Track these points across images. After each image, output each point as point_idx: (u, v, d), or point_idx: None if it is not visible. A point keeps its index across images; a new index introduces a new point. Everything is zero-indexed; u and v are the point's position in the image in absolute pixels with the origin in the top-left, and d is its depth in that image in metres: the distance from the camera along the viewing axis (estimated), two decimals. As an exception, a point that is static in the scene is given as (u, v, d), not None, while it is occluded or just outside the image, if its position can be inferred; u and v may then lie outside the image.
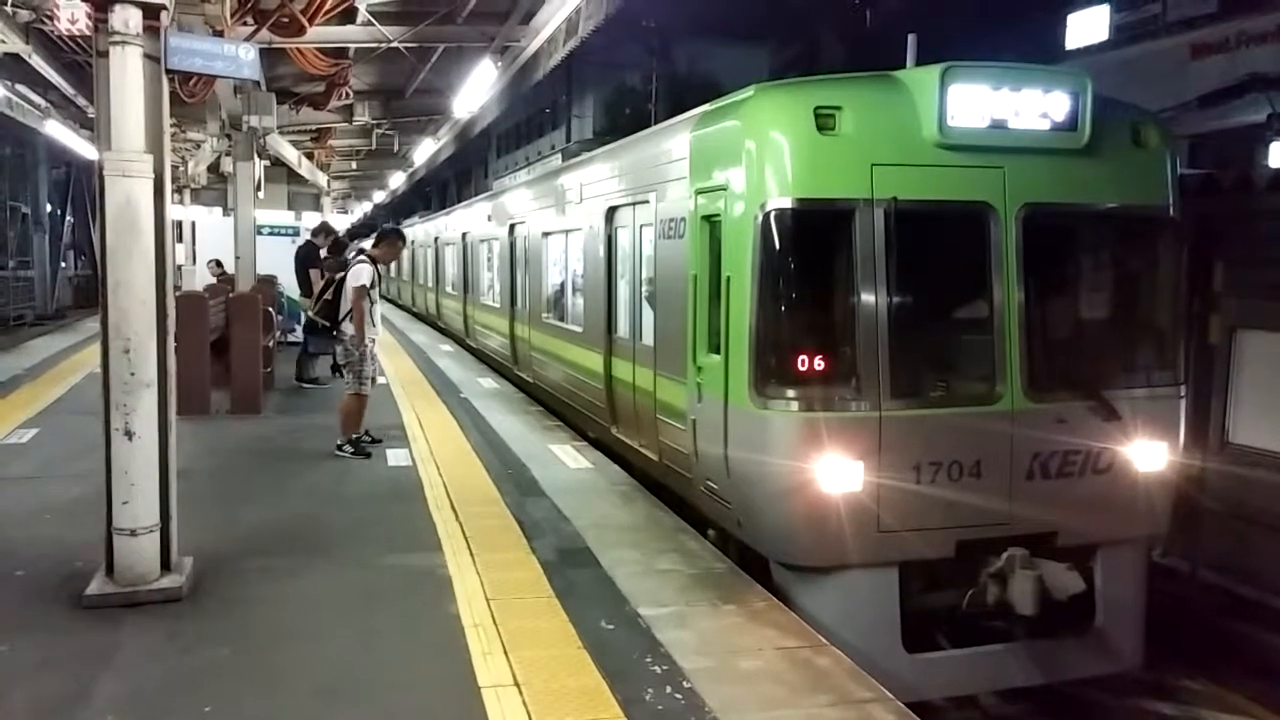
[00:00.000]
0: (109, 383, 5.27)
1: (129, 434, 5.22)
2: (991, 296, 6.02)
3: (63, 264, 35.42)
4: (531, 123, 51.28)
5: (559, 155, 16.67)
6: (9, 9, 10.98)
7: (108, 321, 5.25)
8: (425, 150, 23.37)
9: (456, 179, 60.41)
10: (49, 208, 33.83)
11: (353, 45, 13.21)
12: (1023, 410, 5.98)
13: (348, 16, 11.61)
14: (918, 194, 5.85)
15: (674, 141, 7.49)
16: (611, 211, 9.06)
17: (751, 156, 6.07)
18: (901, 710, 4.34)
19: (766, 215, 5.84)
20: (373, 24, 12.03)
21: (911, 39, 6.21)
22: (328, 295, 9.32)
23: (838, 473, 5.69)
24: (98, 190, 5.28)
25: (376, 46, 12.81)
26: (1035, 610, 5.70)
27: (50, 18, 9.15)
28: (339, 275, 9.29)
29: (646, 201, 7.93)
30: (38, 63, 12.81)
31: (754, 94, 6.30)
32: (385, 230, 10.26)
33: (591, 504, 7.52)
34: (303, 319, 13.81)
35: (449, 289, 21.59)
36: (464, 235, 19.01)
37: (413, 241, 28.24)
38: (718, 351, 6.30)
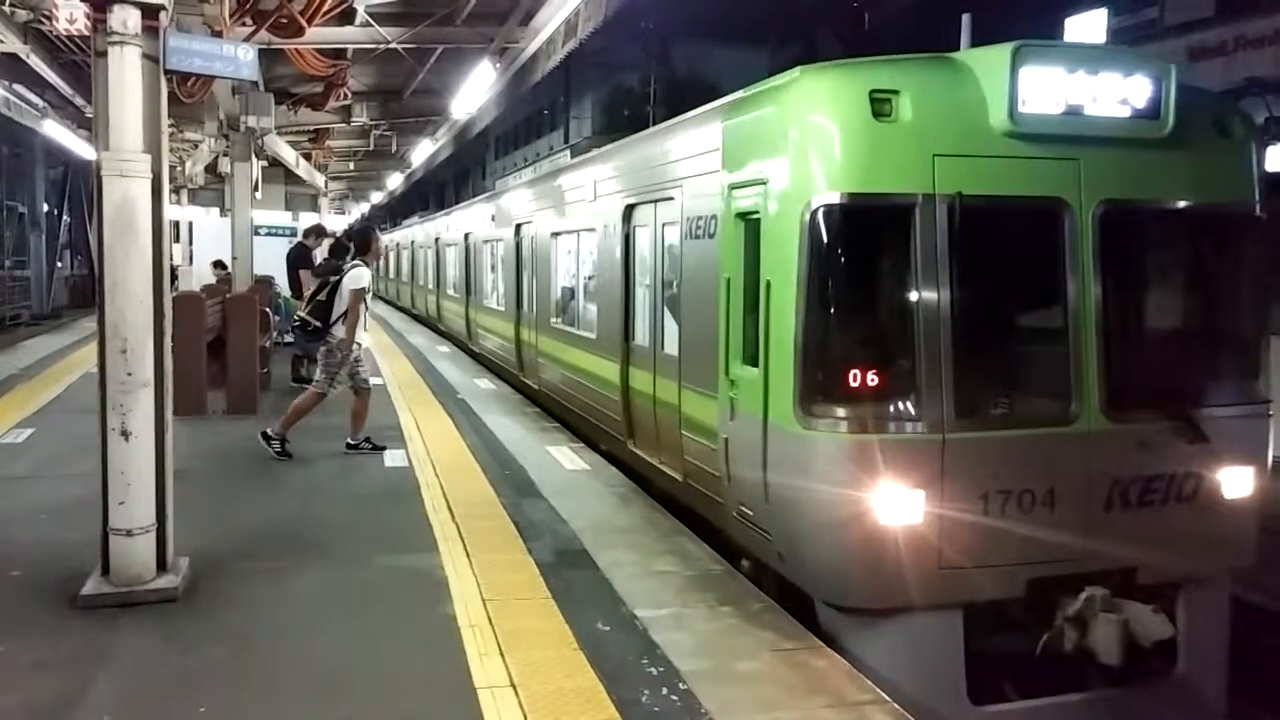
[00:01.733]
0: (106, 382, 5.27)
1: (125, 434, 5.21)
2: (1066, 304, 5.40)
3: (59, 264, 35.43)
4: (530, 124, 51.30)
5: (567, 152, 16.38)
6: (7, 9, 10.99)
7: (105, 321, 5.25)
8: (423, 151, 23.41)
9: (455, 180, 60.40)
10: (46, 207, 33.83)
11: (351, 46, 13.24)
12: (1101, 431, 5.35)
13: (346, 17, 11.64)
14: (985, 188, 5.26)
15: (703, 132, 6.90)
16: (630, 210, 8.51)
17: (797, 146, 5.48)
18: (899, 713, 4.34)
19: (814, 213, 5.22)
20: (371, 25, 12.05)
21: (966, 19, 5.70)
22: (321, 296, 9.13)
23: (895, 503, 5.07)
24: (95, 190, 5.28)
25: (375, 47, 12.82)
26: (1120, 659, 5.14)
27: (49, 17, 9.17)
28: (333, 278, 9.19)
29: (670, 199, 7.39)
30: (36, 62, 12.81)
31: (799, 76, 5.64)
32: (362, 230, 10.17)
33: (589, 505, 7.52)
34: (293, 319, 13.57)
35: (450, 291, 21.06)
36: (466, 236, 18.50)
37: (412, 242, 28.13)
38: (755, 364, 5.72)
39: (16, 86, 17.43)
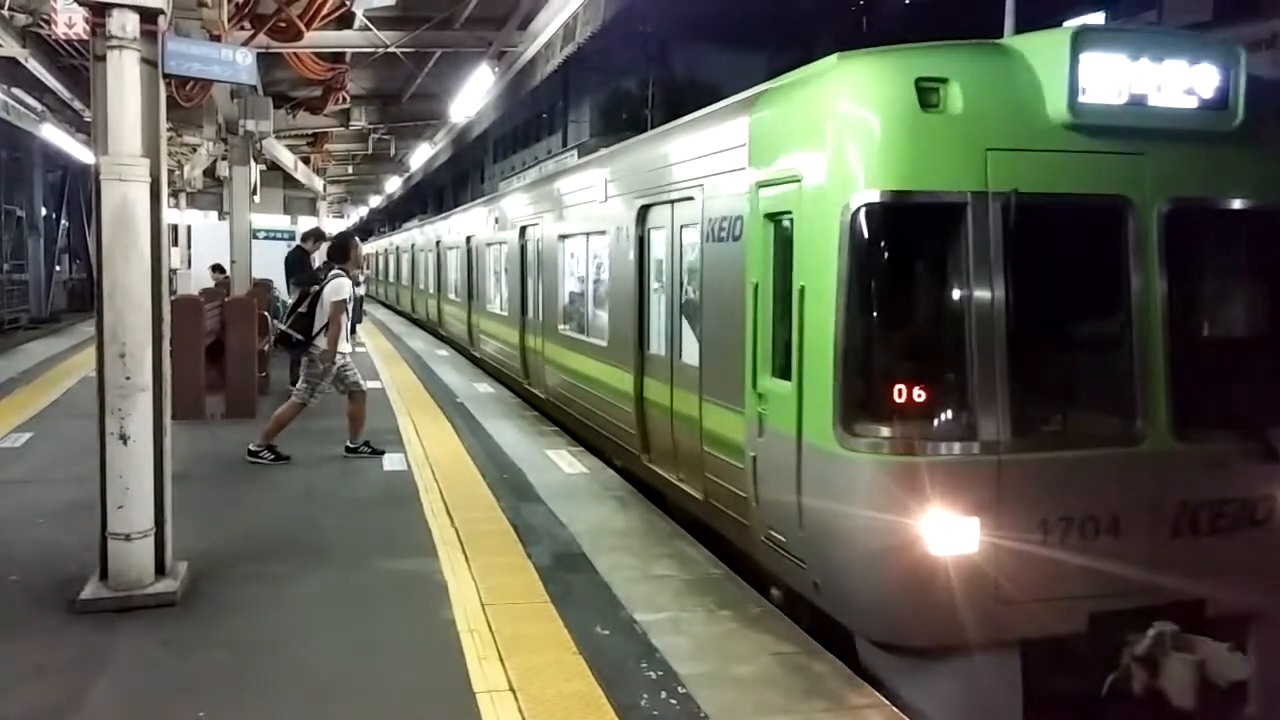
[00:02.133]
0: (104, 387, 5.26)
1: (124, 438, 5.21)
2: (1130, 312, 4.99)
3: (58, 267, 35.39)
4: (529, 128, 51.36)
5: (574, 153, 15.75)
6: (6, 13, 10.97)
7: (103, 325, 5.25)
8: (422, 155, 23.40)
9: (453, 184, 60.43)
10: (44, 211, 33.81)
11: (350, 50, 13.25)
12: (1170, 452, 4.93)
13: (345, 21, 11.65)
14: (1042, 185, 4.86)
15: (727, 127, 6.48)
16: (644, 211, 8.09)
17: (834, 140, 5.06)
18: (897, 716, 4.34)
19: (855, 213, 4.81)
20: (370, 29, 12.06)
21: (1010, 2, 5.52)
22: (301, 309, 9.02)
23: (947, 531, 4.66)
24: (94, 194, 5.28)
25: (373, 51, 12.83)
26: (1196, 704, 4.67)
27: (48, 22, 9.20)
28: (313, 289, 9.11)
29: (690, 199, 6.97)
30: (34, 66, 12.81)
31: (837, 63, 5.22)
32: (340, 239, 10.04)
33: (587, 509, 7.52)
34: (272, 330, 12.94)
35: (452, 295, 20.56)
36: (468, 239, 18.10)
37: (412, 245, 27.86)
38: (787, 377, 5.33)
39: (15, 90, 17.43)
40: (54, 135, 19.83)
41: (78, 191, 34.65)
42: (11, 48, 11.66)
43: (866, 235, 4.85)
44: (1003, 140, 4.86)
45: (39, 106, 18.48)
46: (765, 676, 4.64)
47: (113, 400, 5.22)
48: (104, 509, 5.31)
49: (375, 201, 43.18)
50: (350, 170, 29.38)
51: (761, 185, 5.76)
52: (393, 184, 33.83)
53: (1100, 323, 5.23)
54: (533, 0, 11.53)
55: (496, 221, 15.33)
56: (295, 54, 12.03)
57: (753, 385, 5.76)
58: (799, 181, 5.29)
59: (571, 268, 11.01)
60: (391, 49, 12.56)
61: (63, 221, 36.08)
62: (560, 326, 11.09)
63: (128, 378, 5.20)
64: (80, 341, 18.00)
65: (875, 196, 4.83)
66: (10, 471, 8.47)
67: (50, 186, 34.41)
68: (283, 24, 10.15)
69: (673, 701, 4.34)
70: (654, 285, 8.13)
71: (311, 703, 4.34)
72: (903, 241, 5.03)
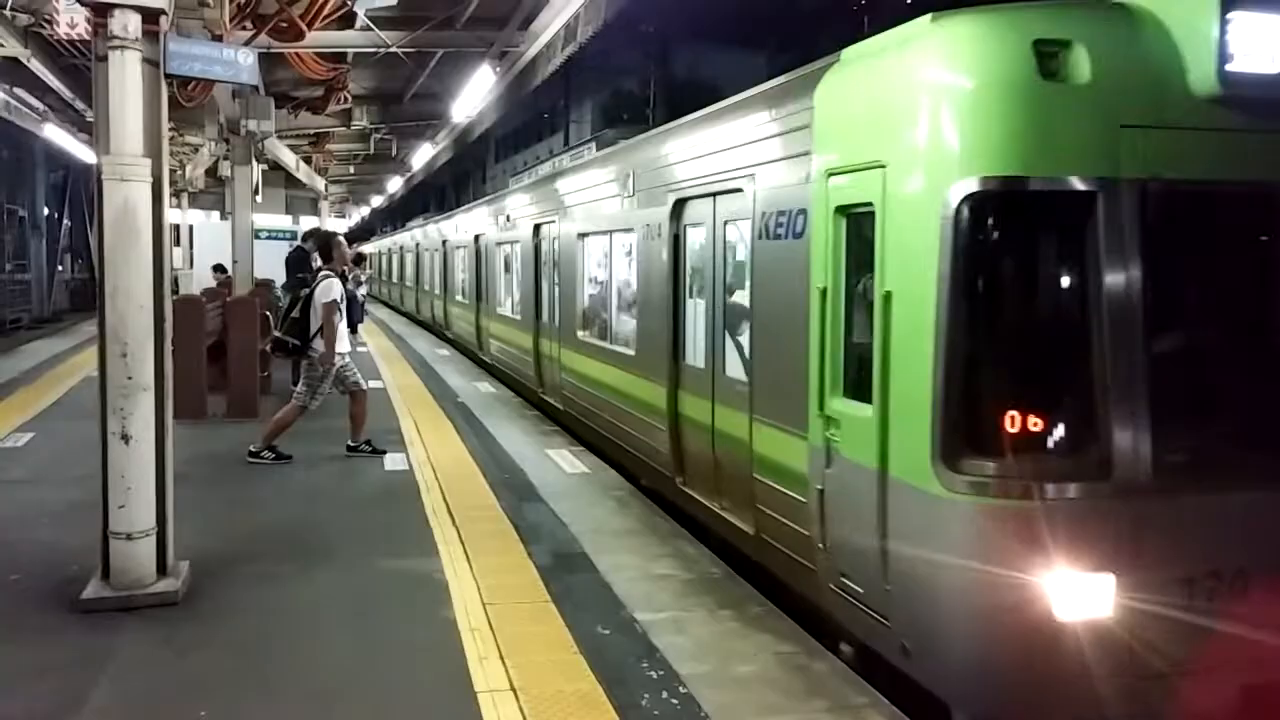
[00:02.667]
0: (106, 386, 5.27)
1: (126, 438, 5.22)
2: None
3: (59, 267, 35.45)
4: (530, 128, 51.38)
5: (591, 145, 14.55)
6: (8, 13, 11.00)
7: (105, 325, 5.25)
8: (423, 155, 23.43)
9: (455, 184, 60.47)
10: (46, 211, 33.86)
11: (351, 50, 13.27)
12: None
13: (346, 21, 11.66)
14: (1187, 170, 4.13)
15: (785, 107, 5.68)
16: (680, 206, 7.31)
17: (934, 117, 4.27)
18: (897, 715, 4.34)
19: (963, 204, 4.04)
20: (371, 29, 12.07)
21: None
22: (294, 313, 8.96)
23: (1075, 589, 3.92)
24: (96, 194, 5.29)
25: (375, 51, 12.86)
26: None
27: (49, 22, 9.22)
28: (304, 292, 9.06)
29: (737, 191, 6.20)
30: (36, 67, 12.84)
31: (933, 25, 4.42)
32: (323, 239, 9.94)
33: (588, 508, 7.52)
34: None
35: (459, 297, 19.77)
36: (477, 238, 17.28)
37: (417, 245, 27.39)
38: (865, 398, 4.59)
39: (17, 90, 17.46)
40: (56, 135, 19.88)
41: (80, 191, 34.69)
42: (13, 48, 11.70)
43: (976, 231, 4.09)
44: (1138, 116, 4.06)
45: (41, 106, 18.53)
46: (766, 676, 4.64)
47: (114, 400, 5.22)
48: (106, 508, 5.32)
49: (377, 201, 43.23)
50: (352, 170, 29.42)
51: (832, 173, 4.94)
52: (394, 184, 33.89)
53: (1259, 335, 4.44)
54: (534, 0, 11.54)
55: (507, 219, 14.59)
56: (297, 54, 12.04)
57: (818, 407, 4.97)
58: (883, 168, 4.49)
59: (592, 269, 10.31)
60: (393, 49, 12.58)
61: (65, 221, 36.14)
62: (579, 332, 10.34)
63: (129, 377, 5.20)
64: (82, 341, 18.02)
65: (986, 184, 4.07)
66: (12, 471, 8.48)
67: (52, 186, 34.47)
68: (284, 24, 10.16)
69: (673, 701, 4.34)
70: (691, 289, 7.35)
71: (313, 702, 4.34)
72: (1019, 238, 4.25)
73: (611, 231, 9.32)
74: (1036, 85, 4.02)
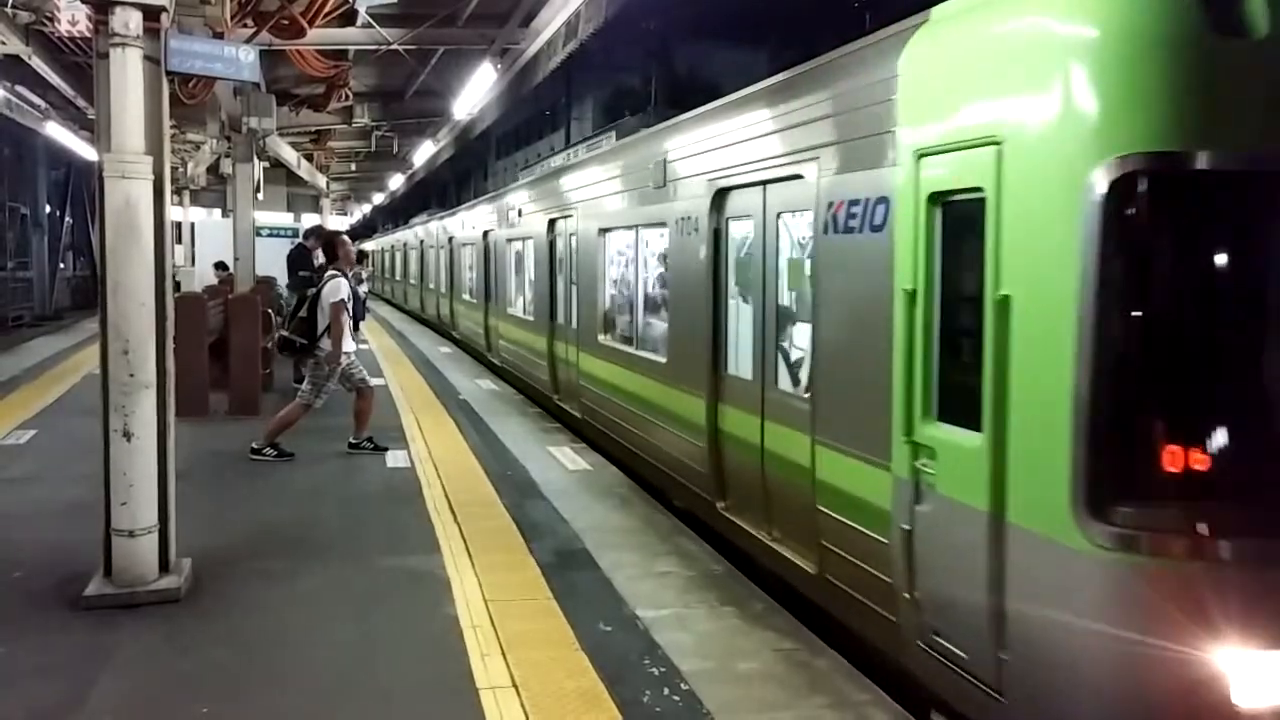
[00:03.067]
0: (108, 384, 5.27)
1: (128, 435, 5.22)
2: None
3: (61, 265, 35.48)
4: (531, 125, 51.35)
5: (611, 134, 13.08)
6: (9, 10, 11.00)
7: (107, 323, 5.25)
8: (425, 152, 23.42)
9: (456, 181, 60.49)
10: (48, 209, 33.89)
11: (352, 47, 13.27)
12: None
13: (347, 19, 11.66)
14: None
15: (860, 79, 4.89)
16: (721, 197, 6.57)
17: (1076, 79, 3.46)
18: (899, 712, 4.34)
19: (1115, 186, 3.29)
20: (372, 26, 12.06)
21: None
22: (302, 313, 8.98)
23: (1261, 669, 3.19)
24: (97, 191, 5.29)
25: (376, 49, 12.85)
26: None
27: (50, 19, 9.22)
28: (310, 291, 9.11)
29: (796, 178, 5.41)
30: (38, 64, 12.84)
31: None
32: (328, 237, 9.92)
33: (590, 506, 7.52)
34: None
35: (466, 295, 18.99)
36: (486, 234, 16.47)
37: (421, 242, 26.84)
38: (973, 425, 3.84)
39: (19, 88, 17.46)
40: (57, 133, 19.88)
41: (81, 189, 34.71)
42: (15, 45, 11.69)
43: (1132, 221, 3.32)
44: None
45: (42, 104, 18.53)
46: (768, 673, 4.64)
47: (116, 397, 5.23)
48: (108, 506, 5.32)
49: (379, 199, 43.23)
50: (353, 168, 29.41)
51: (923, 154, 4.18)
52: (396, 181, 33.88)
53: None
54: (535, -3, 11.55)
55: (519, 214, 13.75)
56: (298, 51, 12.04)
57: (904, 431, 4.24)
58: (997, 145, 3.76)
59: (614, 267, 9.67)
60: (394, 46, 12.57)
61: (66, 219, 36.17)
62: (600, 336, 9.58)
63: (131, 375, 5.21)
64: (84, 339, 18.03)
65: (1144, 163, 3.28)
66: (14, 468, 8.49)
67: (54, 184, 34.49)
68: (285, 21, 10.16)
69: (675, 698, 4.34)
70: (734, 290, 6.60)
71: (315, 698, 4.34)
72: (1187, 228, 3.44)
73: (638, 226, 8.60)
74: (1206, 40, 3.27)
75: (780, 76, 6.17)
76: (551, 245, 11.64)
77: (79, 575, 5.52)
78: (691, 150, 7.19)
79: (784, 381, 5.89)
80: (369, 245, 38.66)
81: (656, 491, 7.92)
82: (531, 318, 12.84)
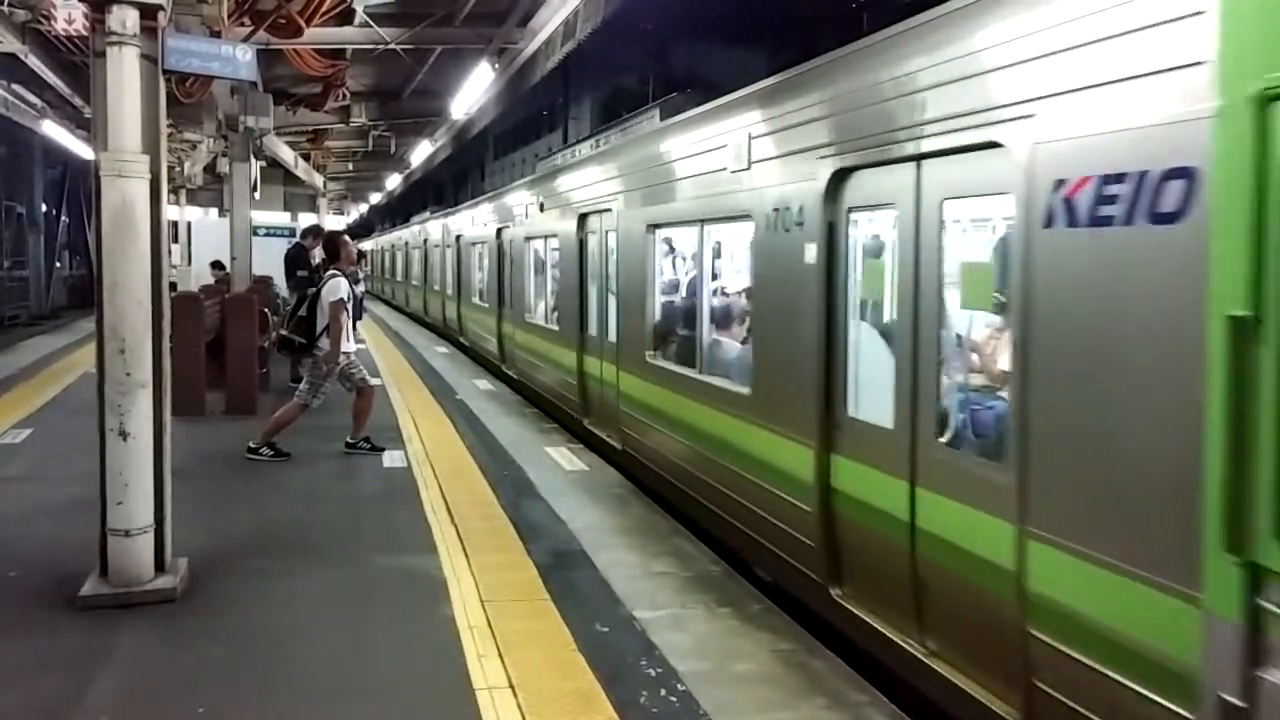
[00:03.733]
0: (104, 383, 5.26)
1: (124, 434, 5.21)
2: None
3: (58, 264, 35.42)
4: (529, 125, 51.35)
5: (654, 113, 10.36)
6: (6, 9, 10.98)
7: (103, 322, 5.25)
8: (422, 152, 23.41)
9: (453, 181, 60.48)
10: (44, 207, 33.82)
11: (350, 46, 13.25)
12: None
13: (345, 18, 11.64)
14: None
15: None
16: (841, 178, 5.02)
17: None
18: (896, 713, 4.34)
19: None
20: (370, 25, 12.05)
21: None
22: (301, 312, 8.99)
23: None
24: (94, 190, 5.28)
25: (374, 48, 12.83)
26: None
27: (47, 18, 9.19)
28: (310, 290, 9.11)
29: (987, 146, 3.90)
30: (34, 63, 12.80)
31: None
32: (330, 238, 9.87)
33: (587, 506, 7.52)
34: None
35: (476, 299, 17.67)
36: (499, 231, 15.25)
37: (425, 241, 25.96)
38: None
39: (15, 86, 17.44)
40: (54, 131, 19.84)
41: (78, 188, 34.66)
42: (11, 44, 11.67)
43: None
44: None
45: (39, 103, 18.49)
46: (765, 674, 4.64)
47: (113, 396, 5.22)
48: (104, 505, 5.32)
49: (376, 198, 43.21)
50: (350, 167, 29.40)
51: (1273, 96, 2.72)
52: (393, 181, 33.84)
53: None
54: (532, -3, 11.55)
55: (540, 209, 12.33)
56: (295, 50, 12.03)
57: (1229, 546, 2.81)
58: None
59: (669, 270, 8.49)
60: (391, 45, 12.56)
61: (63, 218, 36.09)
62: (648, 353, 8.10)
63: (128, 374, 5.20)
64: (80, 338, 18.02)
65: None
66: (10, 468, 8.47)
67: (50, 183, 34.42)
68: (282, 20, 10.15)
69: (672, 699, 4.34)
70: (861, 302, 5.13)
71: (311, 699, 4.34)
72: None
73: (704, 221, 7.05)
74: None
75: (953, 4, 4.34)
76: (582, 244, 10.23)
77: (75, 575, 5.50)
78: (792, 121, 5.57)
79: (958, 438, 4.34)
80: (366, 245, 38.55)
81: (727, 552, 6.45)
82: (556, 328, 11.39)
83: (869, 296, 5.10)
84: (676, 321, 8.12)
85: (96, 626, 5.02)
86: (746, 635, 5.09)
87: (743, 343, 6.90)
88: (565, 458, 9.21)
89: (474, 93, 14.27)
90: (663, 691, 4.40)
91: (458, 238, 19.96)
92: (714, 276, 7.77)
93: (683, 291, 8.45)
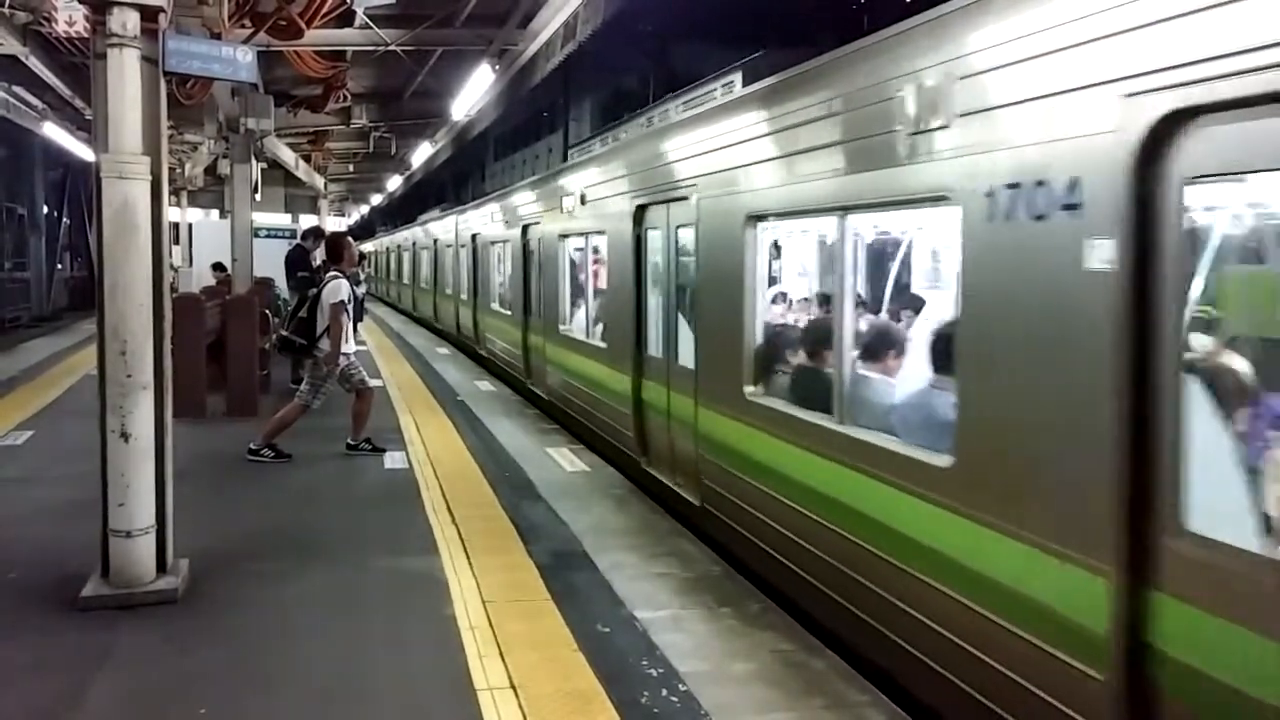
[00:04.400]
0: (105, 384, 5.27)
1: (125, 436, 5.21)
2: None
3: (59, 265, 35.44)
4: (529, 126, 51.36)
5: (734, 79, 7.79)
6: (6, 11, 11.00)
7: (105, 323, 5.25)
8: (423, 153, 23.43)
9: (454, 182, 60.51)
10: (45, 209, 33.85)
11: (350, 48, 13.27)
12: None
13: (345, 19, 11.66)
14: None
15: None
16: (1167, 131, 2.96)
17: None
18: (896, 713, 4.34)
19: None
20: (370, 27, 12.07)
21: None
22: (302, 313, 9.01)
23: None
24: (95, 192, 5.28)
25: (374, 49, 12.85)
26: None
27: (48, 20, 9.21)
28: (311, 291, 9.13)
29: None
30: (35, 64, 12.84)
31: None
32: (333, 239, 9.85)
33: (588, 507, 7.52)
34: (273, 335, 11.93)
35: (495, 306, 16.01)
36: (526, 229, 13.40)
37: (435, 241, 24.76)
38: None
39: (16, 88, 17.46)
40: (55, 133, 19.88)
41: (79, 189, 34.68)
42: (12, 46, 11.69)
43: None
44: None
45: (40, 104, 18.52)
46: (765, 674, 4.64)
47: (114, 398, 5.22)
48: (105, 506, 5.32)
49: (376, 200, 43.23)
50: (351, 168, 29.41)
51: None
52: (394, 182, 33.86)
53: None
54: (532, -1, 11.55)
55: (581, 202, 10.31)
56: (296, 52, 12.04)
57: None
58: None
59: (785, 279, 7.12)
60: (392, 47, 12.57)
61: (64, 219, 36.13)
62: (748, 389, 6.15)
63: (129, 375, 5.20)
64: (81, 339, 18.02)
65: None
66: (11, 469, 8.48)
67: (51, 184, 34.45)
68: (283, 22, 10.16)
69: (673, 699, 4.34)
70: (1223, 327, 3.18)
71: (313, 699, 4.34)
72: None
73: (848, 209, 5.05)
74: None
75: None
76: (638, 244, 8.37)
77: (76, 576, 5.50)
78: (1056, 42, 3.40)
79: (1222, 519, 2.85)
80: (367, 246, 38.47)
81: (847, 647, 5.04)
82: (602, 344, 9.63)
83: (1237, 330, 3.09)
84: (794, 348, 6.27)
85: (97, 627, 5.03)
86: (747, 635, 5.09)
87: (932, 385, 4.80)
88: (566, 458, 9.21)
89: (474, 94, 14.29)
90: (663, 691, 4.40)
91: (473, 236, 18.15)
92: (870, 285, 6.05)
93: (813, 310, 6.85)
